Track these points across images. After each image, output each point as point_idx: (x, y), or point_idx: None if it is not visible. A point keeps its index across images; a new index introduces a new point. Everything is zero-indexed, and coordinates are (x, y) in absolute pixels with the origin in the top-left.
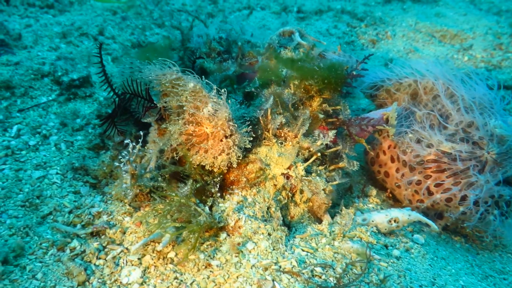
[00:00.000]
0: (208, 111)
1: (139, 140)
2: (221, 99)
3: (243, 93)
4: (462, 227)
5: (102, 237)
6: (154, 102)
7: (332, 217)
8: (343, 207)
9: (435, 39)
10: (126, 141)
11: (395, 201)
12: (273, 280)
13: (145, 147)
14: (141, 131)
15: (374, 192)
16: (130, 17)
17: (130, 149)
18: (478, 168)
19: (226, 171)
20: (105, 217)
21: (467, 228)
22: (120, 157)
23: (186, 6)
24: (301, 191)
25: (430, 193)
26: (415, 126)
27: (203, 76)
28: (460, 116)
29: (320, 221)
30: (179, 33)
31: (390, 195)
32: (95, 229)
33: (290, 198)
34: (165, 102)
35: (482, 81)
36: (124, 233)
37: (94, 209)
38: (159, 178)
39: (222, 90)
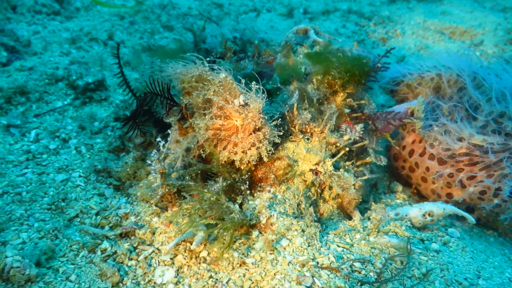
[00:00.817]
0: (239, 103)
1: (162, 140)
2: (252, 90)
3: (263, 90)
4: (495, 221)
5: (132, 238)
6: (176, 101)
7: (362, 213)
8: (373, 203)
9: (444, 36)
10: (157, 140)
11: (420, 197)
12: (312, 276)
13: (167, 147)
14: (169, 130)
15: (400, 188)
16: (138, 22)
17: (161, 148)
18: None
19: (253, 168)
20: (132, 218)
21: (503, 221)
22: (150, 155)
23: (192, 10)
24: (330, 187)
25: (463, 186)
26: (442, 119)
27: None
28: (491, 107)
29: (349, 217)
30: (190, 35)
31: (415, 191)
32: (124, 230)
33: (319, 195)
34: (189, 99)
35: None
36: (154, 233)
37: (121, 210)
38: (187, 177)
39: (253, 83)
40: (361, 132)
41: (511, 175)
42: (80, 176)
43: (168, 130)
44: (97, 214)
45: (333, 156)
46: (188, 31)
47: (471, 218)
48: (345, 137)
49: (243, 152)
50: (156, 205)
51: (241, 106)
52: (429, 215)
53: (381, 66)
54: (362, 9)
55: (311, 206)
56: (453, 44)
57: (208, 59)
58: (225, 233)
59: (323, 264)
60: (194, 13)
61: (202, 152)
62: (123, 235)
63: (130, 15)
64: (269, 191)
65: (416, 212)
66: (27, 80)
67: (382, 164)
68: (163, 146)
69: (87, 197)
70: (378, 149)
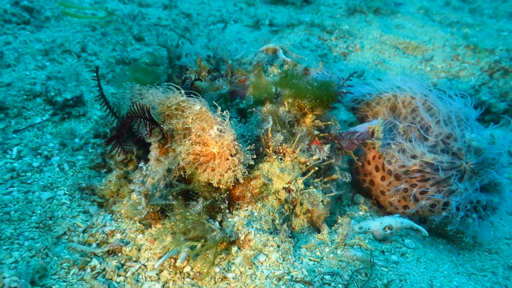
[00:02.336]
0: (214, 133)
1: (141, 159)
2: (225, 119)
3: (236, 109)
4: (444, 229)
5: (119, 254)
6: (157, 122)
7: (329, 226)
8: (339, 217)
9: (399, 50)
10: (140, 164)
11: (380, 207)
12: None
13: (147, 165)
14: (152, 153)
15: (362, 199)
16: (110, 33)
17: (144, 171)
18: (458, 177)
19: (231, 187)
20: (118, 235)
21: (450, 231)
22: (135, 177)
23: (162, 20)
24: (301, 203)
25: (416, 200)
26: (398, 138)
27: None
28: (440, 128)
29: (318, 230)
30: (162, 49)
31: (375, 202)
32: (111, 247)
33: (291, 210)
34: (170, 124)
35: (457, 96)
36: (139, 250)
37: (107, 227)
38: (170, 197)
39: (225, 112)
40: (328, 152)
41: (457, 191)
42: (65, 194)
43: (150, 148)
44: (84, 231)
45: (303, 174)
46: (161, 47)
47: (424, 231)
48: (314, 157)
49: (220, 175)
50: (139, 222)
51: (217, 135)
52: (388, 228)
53: (346, 92)
54: (324, 22)
55: (285, 223)
56: (406, 59)
57: (185, 79)
58: (208, 252)
59: (297, 278)
60: (164, 24)
61: (183, 173)
62: (110, 252)
63: (101, 25)
64: (246, 209)
65: (377, 225)
66: (5, 96)
67: (346, 181)
68: (146, 169)
69: (73, 214)
70: (343, 166)
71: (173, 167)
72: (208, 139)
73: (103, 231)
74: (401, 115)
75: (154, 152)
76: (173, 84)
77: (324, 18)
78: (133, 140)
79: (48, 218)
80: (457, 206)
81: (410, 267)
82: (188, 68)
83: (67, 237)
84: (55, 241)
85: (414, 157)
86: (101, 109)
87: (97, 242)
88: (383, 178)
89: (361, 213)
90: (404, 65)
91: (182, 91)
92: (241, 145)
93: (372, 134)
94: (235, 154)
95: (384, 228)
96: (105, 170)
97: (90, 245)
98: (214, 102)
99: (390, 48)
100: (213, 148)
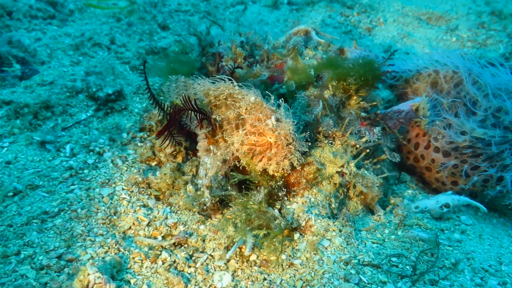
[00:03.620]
0: (272, 123)
1: (189, 150)
2: (280, 109)
3: (277, 95)
4: (495, 204)
5: (185, 246)
6: (206, 113)
7: (382, 207)
8: (391, 197)
9: (423, 21)
10: (204, 159)
11: (425, 184)
12: (357, 273)
13: (197, 156)
14: (200, 144)
15: (407, 177)
16: (135, 23)
17: (208, 165)
18: (511, 151)
19: (286, 174)
20: (181, 227)
21: (507, 205)
22: (188, 172)
23: (181, 6)
24: (354, 186)
25: (467, 175)
26: (445, 114)
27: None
28: (489, 102)
29: (371, 211)
30: (188, 33)
31: (419, 178)
32: (177, 239)
33: (345, 194)
34: (219, 114)
35: (505, 68)
36: (204, 240)
37: (169, 220)
38: (228, 187)
39: (280, 101)
40: (379, 134)
41: (511, 165)
42: (123, 189)
43: (197, 139)
44: (148, 225)
45: (354, 157)
46: (192, 35)
47: (483, 208)
48: (364, 139)
49: (277, 163)
50: (199, 213)
51: (274, 125)
52: (445, 206)
53: (391, 71)
54: None
55: (342, 207)
56: (431, 30)
57: (222, 67)
58: (274, 240)
59: (364, 261)
60: (184, 9)
61: (238, 163)
62: (176, 244)
63: (125, 15)
64: (303, 195)
65: (433, 204)
66: (50, 95)
67: (396, 161)
68: (207, 162)
69: (134, 209)
70: (391, 146)
71: (228, 158)
72: (265, 129)
73: (166, 223)
74: (443, 91)
75: (202, 143)
76: (224, 76)
77: None
78: (182, 132)
79: (113, 214)
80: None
81: (474, 244)
82: (223, 55)
83: (133, 231)
84: (123, 236)
85: (463, 133)
86: (149, 103)
87: (162, 235)
88: (429, 155)
89: (410, 191)
90: (430, 36)
91: (235, 82)
92: (296, 134)
93: (416, 111)
94: (291, 143)
95: (441, 207)
96: (155, 163)
97: (155, 238)
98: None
99: (413, 20)
100: (270, 138)
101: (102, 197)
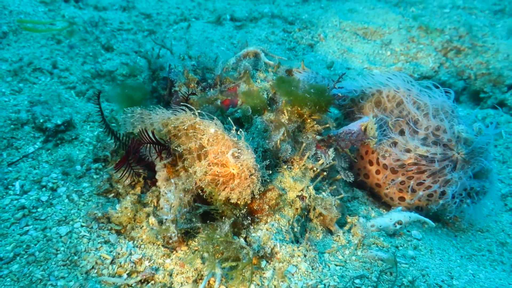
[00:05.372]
0: (232, 155)
1: (148, 180)
2: (240, 137)
3: (232, 119)
4: (438, 215)
5: (152, 283)
6: (165, 144)
7: (340, 226)
8: (348, 216)
9: (359, 36)
10: (166, 194)
11: (375, 198)
12: None
13: (157, 186)
14: (160, 174)
15: (360, 193)
16: (77, 45)
17: (171, 199)
18: (451, 167)
19: (249, 202)
20: (146, 263)
21: (448, 218)
22: (150, 204)
23: (124, 24)
24: (314, 208)
25: (413, 191)
26: (391, 134)
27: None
28: (428, 121)
29: (330, 231)
30: (134, 55)
31: (370, 193)
32: (144, 276)
33: (305, 217)
34: (180, 145)
35: (440, 90)
36: (171, 275)
37: (133, 256)
38: (193, 219)
39: (239, 132)
40: (333, 155)
41: (452, 180)
42: (82, 226)
43: (156, 169)
44: (112, 262)
45: (312, 180)
46: (142, 57)
47: (431, 223)
48: (320, 161)
49: (239, 192)
50: (163, 246)
51: (235, 158)
52: (398, 223)
53: (342, 96)
54: (283, 12)
55: (307, 231)
56: (367, 44)
57: (174, 92)
58: (243, 270)
59: (330, 285)
60: (126, 28)
61: (201, 192)
62: (143, 282)
63: (65, 37)
64: (266, 221)
65: (387, 221)
66: None
67: (350, 180)
68: (168, 195)
69: (96, 246)
70: (345, 166)
71: (190, 187)
72: (228, 161)
73: (130, 260)
74: (386, 110)
75: (161, 172)
76: (186, 104)
77: (282, 7)
78: (141, 163)
79: (73, 254)
80: (453, 194)
81: (426, 260)
82: (175, 81)
83: (96, 271)
84: (86, 277)
85: (408, 150)
86: (101, 131)
87: (127, 272)
88: (378, 172)
89: (363, 208)
90: (367, 51)
91: (196, 112)
92: (258, 164)
93: (365, 130)
94: (253, 173)
95: (394, 224)
96: (113, 195)
97: (120, 276)
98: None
99: (351, 35)
100: (233, 169)
101: (61, 237)
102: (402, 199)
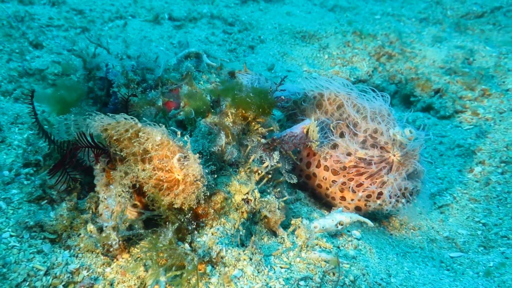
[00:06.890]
0: (178, 161)
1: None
2: (186, 142)
3: (175, 121)
4: (375, 214)
5: None
6: (103, 148)
7: (283, 228)
8: (292, 218)
9: (298, 40)
10: (105, 197)
11: (316, 199)
12: None
13: (96, 191)
14: (98, 178)
15: (302, 195)
16: (1, 41)
17: (111, 205)
18: (387, 169)
19: (194, 206)
20: (85, 272)
21: (384, 217)
22: (90, 211)
23: (53, 20)
24: (259, 211)
25: (353, 192)
26: (332, 136)
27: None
28: (366, 124)
29: (275, 234)
30: (66, 53)
31: (311, 194)
32: (82, 286)
33: (251, 220)
34: (122, 149)
35: (377, 94)
36: (112, 284)
37: (70, 266)
38: (136, 225)
39: (186, 137)
40: (278, 158)
41: (388, 181)
42: (11, 236)
43: (94, 174)
44: (46, 274)
45: (257, 183)
46: (77, 57)
47: (370, 223)
48: (265, 164)
49: (184, 198)
50: (103, 254)
51: (181, 163)
52: (340, 224)
53: (286, 99)
54: (222, 13)
55: (252, 234)
56: (306, 48)
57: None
58: (188, 278)
59: None
60: (56, 24)
61: (143, 197)
62: None
63: None
64: (212, 226)
65: (330, 223)
66: None
67: (293, 182)
68: (108, 201)
69: (27, 257)
70: (288, 169)
71: (131, 192)
72: (172, 166)
73: (67, 270)
74: (328, 112)
75: (99, 177)
76: (124, 115)
77: (221, 8)
78: (78, 168)
79: (1, 266)
80: (389, 194)
81: (366, 259)
82: (113, 81)
83: (27, 283)
84: None
85: (349, 154)
86: (31, 134)
87: (63, 283)
88: (319, 173)
89: (305, 209)
90: (306, 54)
91: (136, 120)
92: (203, 169)
93: (307, 133)
94: (199, 179)
95: (336, 225)
96: (45, 201)
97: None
98: (154, 117)
99: (290, 38)
100: (178, 175)
101: None
102: (343, 198)
